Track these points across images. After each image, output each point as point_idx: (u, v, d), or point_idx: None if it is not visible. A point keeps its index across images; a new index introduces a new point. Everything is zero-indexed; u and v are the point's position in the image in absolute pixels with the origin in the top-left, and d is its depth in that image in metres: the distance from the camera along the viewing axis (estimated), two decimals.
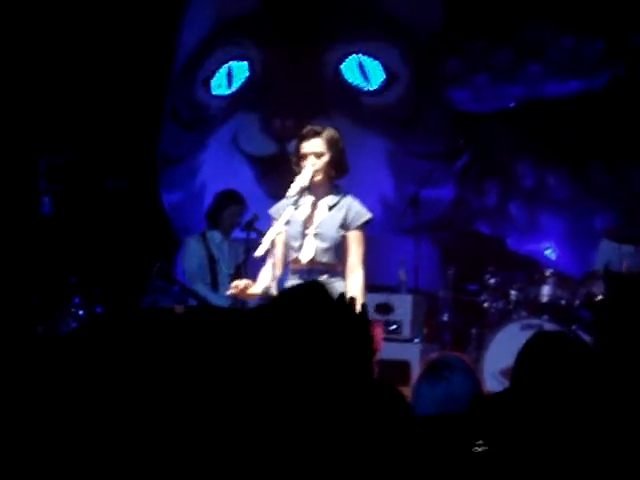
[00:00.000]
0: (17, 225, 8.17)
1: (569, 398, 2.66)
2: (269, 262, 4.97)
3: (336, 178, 5.04)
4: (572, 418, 2.61)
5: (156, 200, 8.77)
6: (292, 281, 4.94)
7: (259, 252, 4.83)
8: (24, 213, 8.30)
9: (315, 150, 4.94)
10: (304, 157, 4.96)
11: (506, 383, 5.63)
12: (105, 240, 8.41)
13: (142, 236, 8.45)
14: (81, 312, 7.55)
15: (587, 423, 2.59)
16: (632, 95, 8.15)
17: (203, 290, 6.89)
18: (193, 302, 6.91)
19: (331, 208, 4.99)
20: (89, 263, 8.14)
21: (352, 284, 4.90)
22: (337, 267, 4.95)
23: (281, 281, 4.99)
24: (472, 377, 3.61)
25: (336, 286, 4.89)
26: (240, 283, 4.94)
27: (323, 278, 4.88)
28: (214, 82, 8.75)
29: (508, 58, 8.54)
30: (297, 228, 4.96)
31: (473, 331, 7.40)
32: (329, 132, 5.01)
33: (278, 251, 4.96)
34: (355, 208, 5.00)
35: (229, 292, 5.03)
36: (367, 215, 5.02)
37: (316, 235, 4.94)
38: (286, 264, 5.01)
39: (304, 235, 4.94)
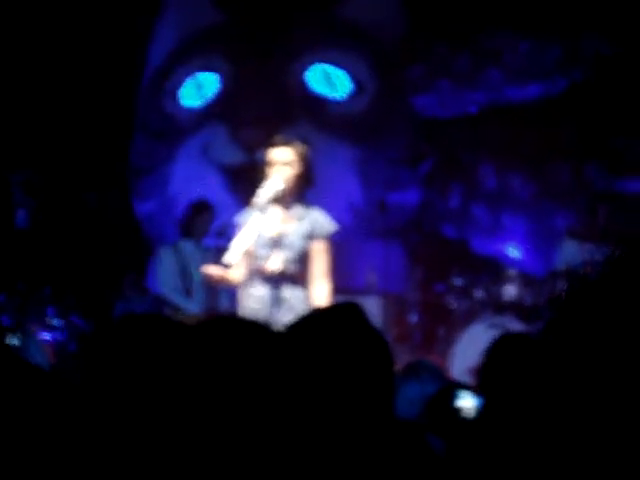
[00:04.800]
0: None
1: (532, 400, 2.78)
2: (235, 270, 5.06)
3: (302, 190, 5.14)
4: (535, 420, 2.73)
5: (129, 210, 8.88)
6: (257, 289, 5.06)
7: (227, 259, 4.96)
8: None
9: (283, 159, 5.07)
10: (272, 165, 5.09)
11: (474, 381, 5.81)
12: (79, 251, 8.50)
13: (116, 246, 8.56)
14: (55, 322, 7.65)
15: (550, 425, 2.71)
16: (590, 98, 8.35)
17: (177, 299, 7.02)
18: (168, 310, 7.06)
19: (298, 219, 5.10)
20: (63, 274, 8.23)
21: (316, 294, 5.02)
22: (301, 277, 5.05)
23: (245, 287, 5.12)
24: (441, 377, 3.79)
25: (299, 295, 5.04)
26: (216, 267, 5.04)
27: (287, 287, 5.02)
28: (182, 94, 8.88)
29: (468, 63, 8.72)
30: (264, 238, 5.06)
31: (441, 331, 7.55)
32: (298, 145, 5.15)
33: (244, 259, 5.06)
34: (320, 220, 5.11)
35: (205, 271, 5.09)
36: (332, 226, 5.13)
37: (282, 246, 5.04)
38: (251, 271, 5.10)
39: (270, 245, 5.06)
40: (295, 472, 1.88)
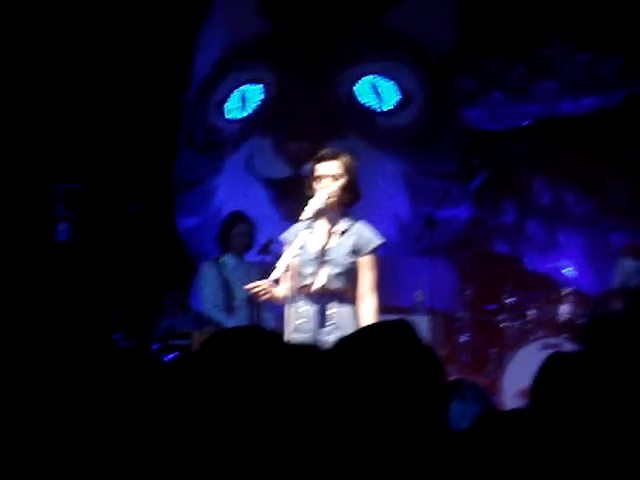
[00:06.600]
0: (33, 252, 8.18)
1: (585, 419, 2.62)
2: (281, 286, 4.97)
3: (348, 204, 5.02)
4: (587, 439, 2.58)
5: (172, 225, 8.79)
6: (303, 306, 4.94)
7: (274, 276, 4.83)
8: (39, 240, 8.31)
9: (331, 173, 4.93)
10: (319, 179, 4.96)
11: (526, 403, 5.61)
12: (122, 266, 8.40)
13: (159, 262, 8.45)
14: None
15: (601, 443, 2.54)
16: None
17: (219, 315, 6.87)
18: (210, 327, 6.91)
19: (342, 234, 4.97)
20: (106, 289, 8.14)
21: (364, 310, 4.90)
22: (347, 293, 4.94)
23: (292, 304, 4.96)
24: (486, 397, 3.59)
25: (345, 312, 4.91)
26: (262, 283, 4.89)
27: (333, 304, 4.91)
28: (228, 106, 8.77)
29: (523, 75, 8.52)
30: (309, 255, 4.95)
31: (492, 351, 7.35)
32: (345, 156, 5.00)
33: (290, 276, 4.95)
34: (366, 234, 4.98)
35: (247, 287, 4.93)
36: (378, 241, 4.99)
37: (327, 262, 4.92)
38: (296, 289, 4.99)
39: (315, 262, 4.94)
40: None
